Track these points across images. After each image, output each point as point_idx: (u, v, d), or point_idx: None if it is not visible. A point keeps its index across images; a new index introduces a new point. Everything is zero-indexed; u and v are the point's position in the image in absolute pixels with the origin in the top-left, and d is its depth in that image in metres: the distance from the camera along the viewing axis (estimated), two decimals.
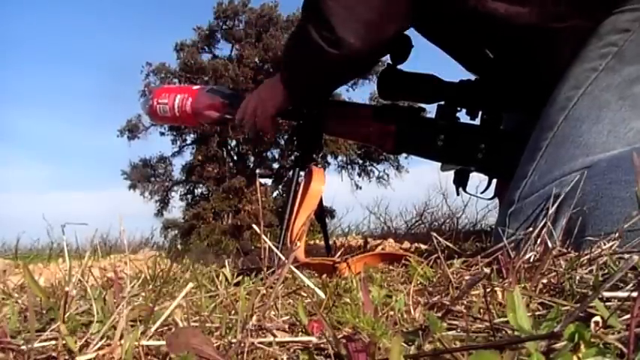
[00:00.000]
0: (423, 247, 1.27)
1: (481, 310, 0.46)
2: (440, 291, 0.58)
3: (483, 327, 0.42)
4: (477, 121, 0.99)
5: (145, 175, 12.49)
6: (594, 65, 0.77)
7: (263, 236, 0.61)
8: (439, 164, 1.02)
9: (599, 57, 0.77)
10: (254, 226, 0.67)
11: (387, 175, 12.58)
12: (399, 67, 1.02)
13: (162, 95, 1.20)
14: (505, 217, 0.79)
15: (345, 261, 0.81)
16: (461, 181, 1.02)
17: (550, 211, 0.69)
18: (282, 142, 12.25)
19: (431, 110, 1.06)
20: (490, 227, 1.61)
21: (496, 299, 0.50)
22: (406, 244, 1.44)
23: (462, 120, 1.01)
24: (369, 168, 12.67)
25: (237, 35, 12.21)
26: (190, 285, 0.48)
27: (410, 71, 1.02)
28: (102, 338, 0.41)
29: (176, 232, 11.59)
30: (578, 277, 0.52)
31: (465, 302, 0.50)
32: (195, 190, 12.80)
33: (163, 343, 0.40)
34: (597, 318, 0.34)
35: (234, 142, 12.33)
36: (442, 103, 1.01)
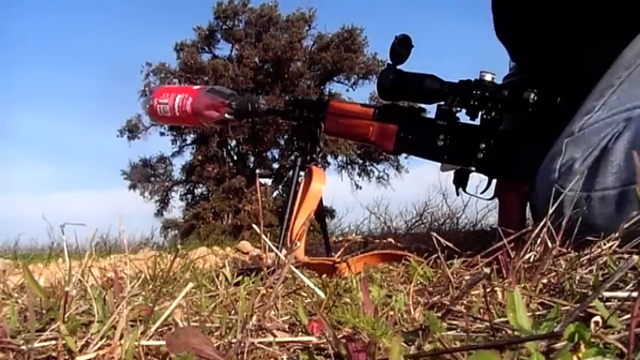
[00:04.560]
0: (423, 247, 1.27)
1: (481, 310, 0.46)
2: (440, 291, 0.58)
3: (483, 327, 0.42)
4: (477, 121, 0.99)
5: (145, 175, 12.49)
6: None
7: (263, 236, 0.61)
8: (439, 164, 1.02)
9: None
10: (254, 226, 0.67)
11: (387, 175, 12.58)
12: (399, 67, 1.02)
13: (163, 95, 1.21)
14: (561, 146, 0.77)
15: (345, 261, 0.81)
16: (461, 181, 1.02)
17: (550, 211, 0.69)
18: (282, 142, 12.26)
19: (431, 110, 1.06)
20: (490, 227, 1.61)
21: (496, 299, 0.50)
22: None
23: (462, 120, 1.01)
24: (369, 168, 12.67)
25: (237, 35, 12.21)
26: (190, 285, 0.48)
27: (410, 71, 1.02)
28: (102, 338, 0.41)
29: (176, 232, 11.58)
30: (578, 277, 0.52)
31: (465, 302, 0.50)
32: (195, 190, 12.81)
33: (163, 343, 0.40)
34: (597, 318, 0.34)
35: (234, 142, 12.33)
36: (442, 103, 1.01)
